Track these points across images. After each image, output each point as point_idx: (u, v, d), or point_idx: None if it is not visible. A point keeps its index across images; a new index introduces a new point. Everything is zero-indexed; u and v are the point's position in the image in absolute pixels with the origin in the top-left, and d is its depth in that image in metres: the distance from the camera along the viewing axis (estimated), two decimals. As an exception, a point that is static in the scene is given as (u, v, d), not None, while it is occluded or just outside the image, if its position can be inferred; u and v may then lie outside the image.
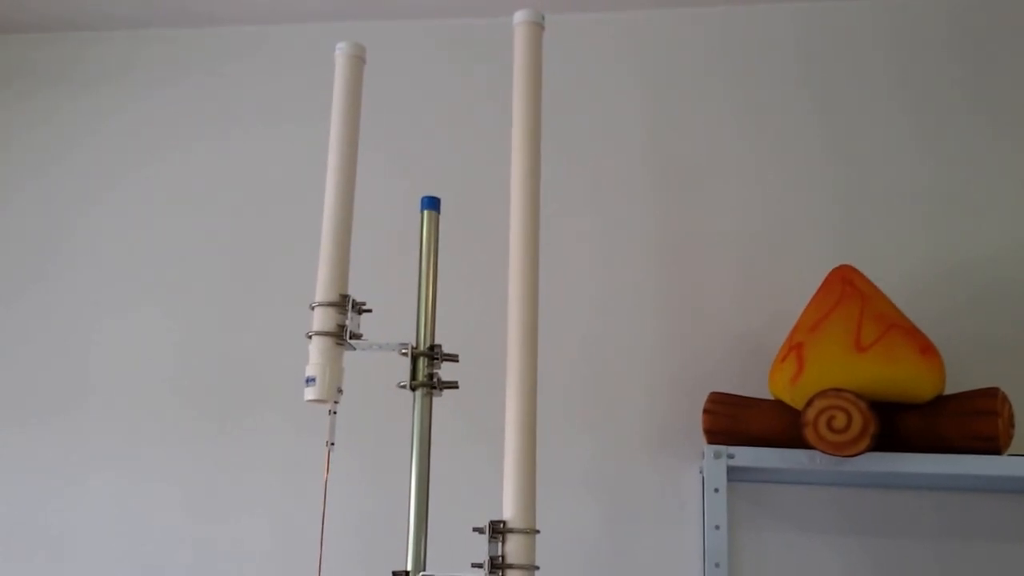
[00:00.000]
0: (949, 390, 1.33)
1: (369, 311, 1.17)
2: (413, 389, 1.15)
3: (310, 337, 1.14)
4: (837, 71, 1.67)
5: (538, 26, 1.20)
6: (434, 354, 1.16)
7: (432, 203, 1.22)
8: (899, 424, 1.29)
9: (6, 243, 1.81)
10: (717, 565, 1.25)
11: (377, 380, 1.39)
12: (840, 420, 1.24)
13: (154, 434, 1.65)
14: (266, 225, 1.74)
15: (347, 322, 1.14)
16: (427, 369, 1.15)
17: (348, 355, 1.15)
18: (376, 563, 1.49)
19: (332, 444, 1.13)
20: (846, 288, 1.36)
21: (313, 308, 1.15)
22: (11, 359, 1.74)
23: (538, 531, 1.04)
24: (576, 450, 1.54)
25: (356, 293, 1.16)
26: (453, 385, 1.15)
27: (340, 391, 1.13)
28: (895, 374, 1.27)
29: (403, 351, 1.15)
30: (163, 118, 1.84)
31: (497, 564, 1.01)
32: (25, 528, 1.64)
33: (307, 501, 1.57)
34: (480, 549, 1.02)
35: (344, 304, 1.14)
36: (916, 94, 1.64)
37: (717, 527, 1.26)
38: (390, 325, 1.23)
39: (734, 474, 1.35)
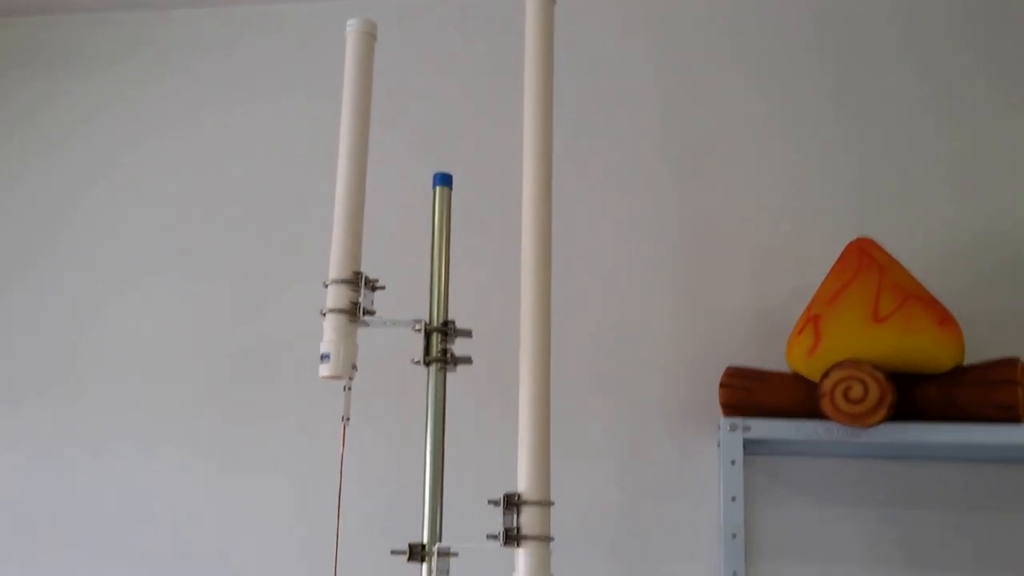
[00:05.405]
0: (967, 363, 1.32)
1: (383, 288, 1.18)
2: (427, 365, 1.15)
3: (324, 315, 1.14)
4: (854, 43, 1.65)
5: (550, 0, 1.19)
6: (447, 330, 1.16)
7: (444, 179, 1.22)
8: (917, 394, 1.28)
9: (18, 223, 1.83)
10: (734, 536, 1.25)
11: (391, 356, 1.39)
12: (856, 391, 1.24)
13: (169, 412, 1.67)
14: (278, 202, 1.75)
15: (361, 299, 1.14)
16: (441, 345, 1.15)
17: (362, 332, 1.16)
18: (392, 536, 1.51)
19: (348, 419, 1.14)
20: (864, 260, 1.35)
21: (327, 286, 1.15)
22: (27, 336, 1.76)
23: (552, 503, 1.04)
24: (594, 423, 1.55)
25: (369, 270, 1.17)
26: (467, 360, 1.16)
27: (355, 367, 1.14)
28: (913, 345, 1.26)
29: (416, 327, 1.16)
30: (173, 99, 1.85)
31: (512, 535, 1.02)
32: (41, 511, 1.66)
33: (324, 475, 1.59)
34: (495, 521, 1.03)
35: (357, 281, 1.15)
36: (934, 64, 1.61)
37: (734, 499, 1.26)
38: (403, 301, 1.24)
39: (750, 446, 1.35)
